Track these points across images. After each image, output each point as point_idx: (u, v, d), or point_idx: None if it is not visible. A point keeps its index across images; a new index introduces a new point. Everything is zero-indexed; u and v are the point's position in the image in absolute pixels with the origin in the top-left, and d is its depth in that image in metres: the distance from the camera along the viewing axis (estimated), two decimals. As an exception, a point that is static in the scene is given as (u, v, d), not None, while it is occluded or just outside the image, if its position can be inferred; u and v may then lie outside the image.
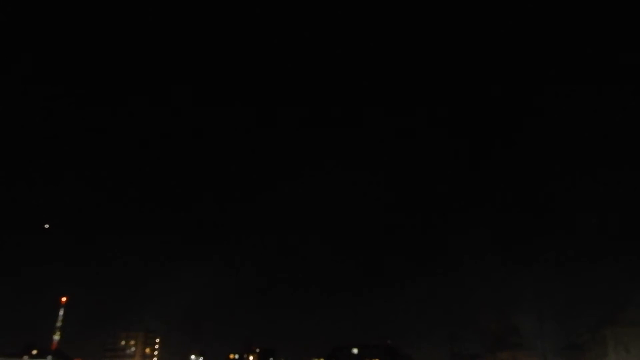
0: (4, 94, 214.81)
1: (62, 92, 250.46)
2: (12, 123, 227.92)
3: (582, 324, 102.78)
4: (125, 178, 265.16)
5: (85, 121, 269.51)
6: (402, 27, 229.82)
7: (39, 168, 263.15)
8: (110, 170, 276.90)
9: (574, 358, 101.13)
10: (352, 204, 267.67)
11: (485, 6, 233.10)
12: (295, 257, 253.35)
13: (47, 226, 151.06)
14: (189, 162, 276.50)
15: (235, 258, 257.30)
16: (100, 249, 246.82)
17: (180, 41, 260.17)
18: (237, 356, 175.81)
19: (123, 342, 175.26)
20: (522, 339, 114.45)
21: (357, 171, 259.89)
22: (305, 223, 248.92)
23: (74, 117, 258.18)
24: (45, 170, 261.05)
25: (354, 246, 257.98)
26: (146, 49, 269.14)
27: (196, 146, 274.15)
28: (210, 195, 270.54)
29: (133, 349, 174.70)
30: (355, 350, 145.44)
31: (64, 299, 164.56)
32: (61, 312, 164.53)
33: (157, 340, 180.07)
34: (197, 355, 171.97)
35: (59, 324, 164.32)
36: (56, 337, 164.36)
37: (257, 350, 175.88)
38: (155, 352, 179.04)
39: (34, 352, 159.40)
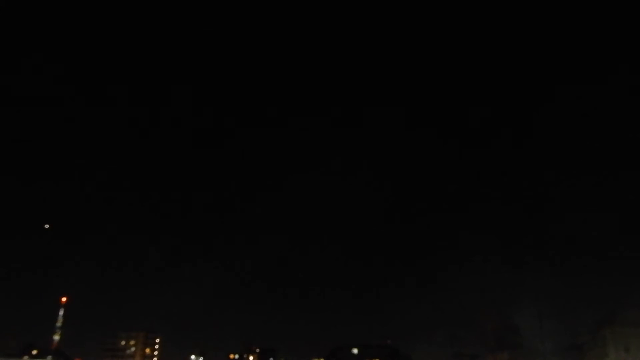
0: (4, 94, 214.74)
1: (62, 92, 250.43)
2: (12, 123, 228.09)
3: (582, 324, 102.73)
4: (126, 178, 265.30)
5: (85, 121, 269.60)
6: (405, 26, 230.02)
7: (39, 168, 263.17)
8: (111, 171, 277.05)
9: (574, 358, 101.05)
10: (352, 205, 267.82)
11: (488, 6, 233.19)
12: (295, 257, 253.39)
13: (47, 226, 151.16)
14: (189, 162, 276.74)
15: (235, 258, 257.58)
16: (100, 249, 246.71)
17: (180, 41, 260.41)
18: (237, 356, 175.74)
19: (123, 342, 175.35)
20: (522, 339, 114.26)
21: (356, 171, 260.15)
22: (305, 223, 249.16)
23: (74, 117, 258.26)
24: (45, 170, 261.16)
25: (354, 246, 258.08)
26: (146, 49, 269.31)
27: (196, 147, 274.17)
28: (211, 195, 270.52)
29: (133, 349, 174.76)
30: (355, 350, 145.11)
31: (64, 299, 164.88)
32: (61, 312, 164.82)
33: (157, 340, 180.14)
34: (197, 355, 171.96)
35: (59, 324, 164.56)
36: (56, 337, 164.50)
37: (257, 350, 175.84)
38: (155, 352, 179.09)
39: (34, 352, 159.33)
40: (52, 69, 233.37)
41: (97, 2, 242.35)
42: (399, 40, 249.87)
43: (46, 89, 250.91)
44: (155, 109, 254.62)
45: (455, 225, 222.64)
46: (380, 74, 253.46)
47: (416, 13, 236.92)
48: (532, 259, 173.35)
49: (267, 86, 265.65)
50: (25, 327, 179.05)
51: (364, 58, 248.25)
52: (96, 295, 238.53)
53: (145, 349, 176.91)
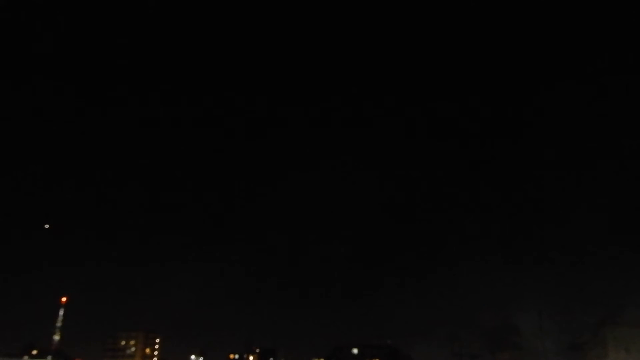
0: (4, 94, 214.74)
1: (62, 92, 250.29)
2: (12, 123, 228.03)
3: (582, 324, 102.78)
4: (126, 178, 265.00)
5: (85, 121, 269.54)
6: (405, 26, 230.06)
7: (39, 168, 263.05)
8: (111, 170, 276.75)
9: (574, 358, 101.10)
10: (352, 204, 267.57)
11: (488, 7, 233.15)
12: (295, 257, 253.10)
13: (47, 226, 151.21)
14: (189, 162, 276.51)
15: (235, 258, 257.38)
16: (100, 249, 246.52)
17: (182, 38, 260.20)
18: (237, 356, 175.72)
19: (123, 342, 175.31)
20: (522, 339, 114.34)
21: (356, 171, 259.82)
22: (306, 223, 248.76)
23: (73, 117, 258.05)
24: (45, 170, 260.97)
25: (354, 246, 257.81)
26: (147, 47, 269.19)
27: (196, 147, 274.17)
28: (212, 195, 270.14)
29: (133, 349, 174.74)
30: (355, 350, 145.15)
31: (64, 299, 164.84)
32: (61, 312, 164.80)
33: (157, 340, 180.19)
34: (197, 355, 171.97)
35: (59, 324, 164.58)
36: (56, 337, 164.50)
37: (257, 350, 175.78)
38: (155, 352, 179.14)
39: (34, 352, 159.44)
40: (50, 67, 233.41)
41: (97, 1, 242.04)
42: (401, 39, 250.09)
43: (46, 89, 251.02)
44: (155, 108, 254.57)
45: (456, 225, 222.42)
46: (381, 74, 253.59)
47: (415, 14, 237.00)
48: (532, 258, 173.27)
49: (268, 86, 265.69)
50: (25, 327, 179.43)
51: (367, 57, 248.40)
52: (96, 295, 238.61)
53: (145, 349, 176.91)
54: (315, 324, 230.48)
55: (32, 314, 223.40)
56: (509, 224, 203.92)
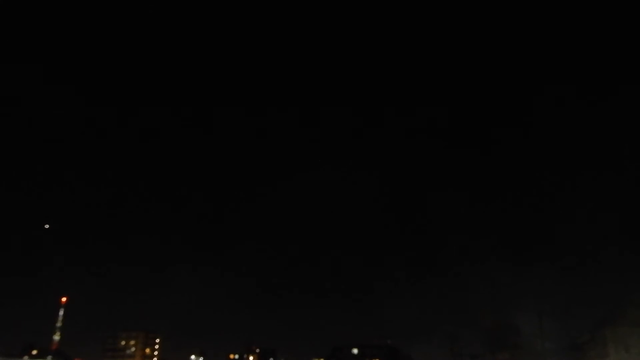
0: (4, 94, 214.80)
1: (62, 92, 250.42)
2: (12, 123, 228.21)
3: (582, 324, 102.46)
4: (127, 178, 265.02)
5: (85, 121, 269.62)
6: (403, 27, 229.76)
7: (39, 168, 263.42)
8: (111, 171, 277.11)
9: (574, 358, 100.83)
10: (352, 205, 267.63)
11: (488, 8, 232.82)
12: (295, 257, 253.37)
13: (47, 226, 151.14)
14: (190, 163, 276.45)
15: (235, 259, 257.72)
16: (100, 249, 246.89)
17: (181, 40, 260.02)
18: (237, 356, 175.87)
19: (123, 342, 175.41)
20: (522, 339, 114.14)
21: (356, 172, 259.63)
22: (305, 224, 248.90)
23: (73, 117, 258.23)
24: (45, 170, 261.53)
25: (354, 246, 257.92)
26: (146, 48, 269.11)
27: (197, 147, 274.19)
28: (212, 197, 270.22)
29: (133, 349, 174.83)
30: (355, 350, 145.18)
31: (64, 299, 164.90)
32: (61, 312, 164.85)
33: (157, 340, 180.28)
34: (197, 355, 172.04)
35: (59, 324, 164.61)
36: (56, 337, 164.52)
37: (257, 350, 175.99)
38: (155, 352, 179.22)
39: (34, 352, 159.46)
40: (51, 68, 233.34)
41: (97, 1, 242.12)
42: (398, 40, 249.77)
43: (46, 89, 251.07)
44: (157, 110, 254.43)
45: (455, 225, 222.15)
46: (381, 75, 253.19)
47: (415, 15, 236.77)
48: (532, 258, 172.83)
49: (268, 86, 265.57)
50: (25, 327, 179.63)
51: (364, 58, 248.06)
52: (96, 295, 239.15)
53: (145, 349, 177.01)
54: (315, 324, 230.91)
55: (32, 314, 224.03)
56: (509, 224, 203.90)
